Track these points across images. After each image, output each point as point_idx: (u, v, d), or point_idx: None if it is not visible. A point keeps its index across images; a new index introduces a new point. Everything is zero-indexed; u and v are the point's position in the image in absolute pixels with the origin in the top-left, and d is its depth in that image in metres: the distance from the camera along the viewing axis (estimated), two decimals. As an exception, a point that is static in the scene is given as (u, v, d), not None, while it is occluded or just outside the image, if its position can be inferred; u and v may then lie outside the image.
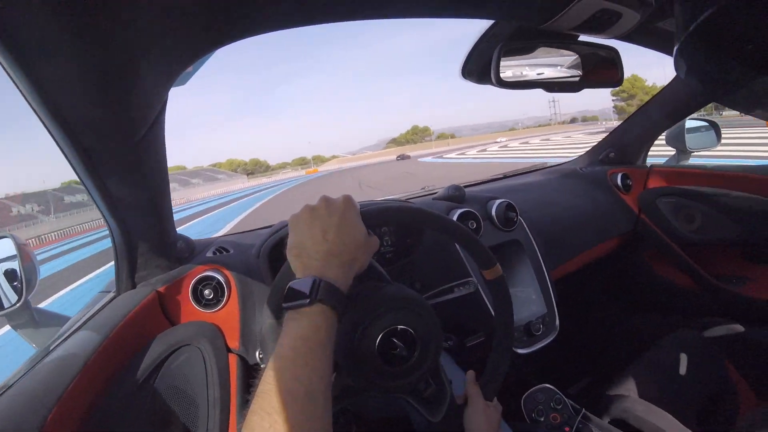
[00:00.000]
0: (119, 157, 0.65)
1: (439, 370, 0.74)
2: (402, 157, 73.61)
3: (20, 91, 0.51)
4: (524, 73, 0.81)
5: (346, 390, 0.69)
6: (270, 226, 1.16)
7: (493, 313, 0.77)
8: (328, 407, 0.44)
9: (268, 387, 0.41)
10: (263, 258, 0.95)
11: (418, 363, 0.69)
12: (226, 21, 0.56)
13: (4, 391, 0.61)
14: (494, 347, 0.74)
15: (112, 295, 0.89)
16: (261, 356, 0.72)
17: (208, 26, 0.56)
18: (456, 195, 1.22)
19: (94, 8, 0.42)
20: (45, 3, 0.40)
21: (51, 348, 0.73)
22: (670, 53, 1.09)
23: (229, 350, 0.90)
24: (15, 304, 0.89)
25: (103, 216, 0.77)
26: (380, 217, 0.65)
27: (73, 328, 0.78)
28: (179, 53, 0.58)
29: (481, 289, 0.99)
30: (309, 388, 0.42)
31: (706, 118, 1.67)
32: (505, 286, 0.72)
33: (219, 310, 0.93)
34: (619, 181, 1.60)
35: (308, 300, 0.47)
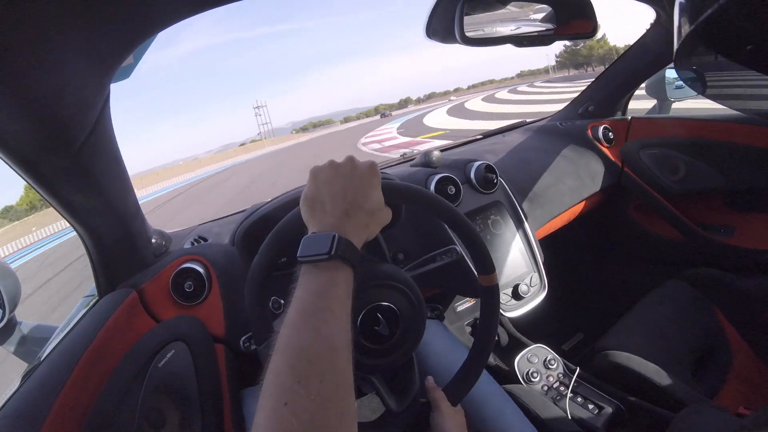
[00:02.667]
0: (64, 166, 0.62)
1: (413, 363, 0.74)
2: (384, 115, 78.42)
3: None
4: (491, 28, 0.77)
5: None
6: (243, 211, 1.13)
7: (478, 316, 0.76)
8: (350, 361, 0.43)
9: (287, 343, 0.40)
10: (238, 244, 0.93)
11: (399, 343, 0.69)
12: (152, 6, 0.53)
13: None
14: (470, 356, 0.74)
15: (96, 298, 0.87)
16: (246, 344, 0.71)
17: (134, 13, 0.52)
18: (430, 162, 1.20)
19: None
20: None
21: (42, 360, 0.72)
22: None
23: (215, 340, 0.89)
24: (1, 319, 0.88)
25: (69, 222, 0.75)
26: (400, 194, 0.65)
27: (60, 337, 0.78)
28: (109, 45, 0.54)
29: (465, 256, 0.97)
30: (332, 343, 0.41)
31: (689, 65, 1.64)
32: (498, 296, 0.72)
33: (202, 301, 0.91)
34: (600, 134, 1.58)
35: (327, 255, 0.46)
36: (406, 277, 0.71)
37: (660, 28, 1.29)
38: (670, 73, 1.58)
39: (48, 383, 0.64)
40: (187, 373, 0.81)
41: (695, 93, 1.56)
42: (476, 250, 0.70)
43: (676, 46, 0.44)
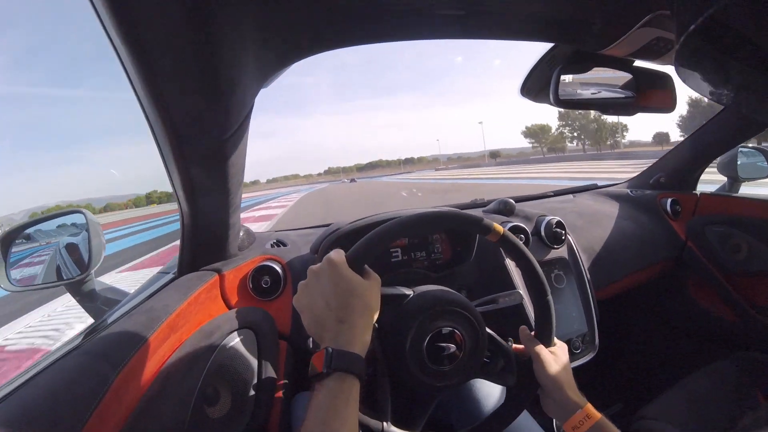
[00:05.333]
0: (209, 149, 0.68)
1: (496, 341, 0.77)
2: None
3: (130, 82, 0.54)
4: (580, 92, 0.86)
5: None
6: (318, 226, 1.23)
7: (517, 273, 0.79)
8: None
9: None
10: (321, 253, 1.00)
11: (465, 364, 0.72)
12: (316, 35, 0.63)
13: (66, 354, 0.65)
14: (531, 299, 0.77)
15: (172, 276, 0.93)
16: (313, 344, 0.78)
17: (299, 38, 0.62)
18: (505, 209, 1.26)
19: (208, 10, 0.46)
20: (170, 3, 0.44)
21: (109, 322, 0.76)
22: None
23: (280, 337, 0.94)
24: (80, 275, 0.94)
25: (178, 200, 0.80)
26: (366, 254, 0.65)
27: (134, 303, 0.82)
28: (272, 58, 0.64)
29: (525, 303, 1.01)
30: None
31: (760, 147, 1.64)
32: (513, 239, 0.73)
33: (274, 299, 0.98)
34: (668, 207, 1.59)
35: (324, 372, 0.51)
36: (472, 306, 0.75)
37: (732, 108, 1.30)
38: (743, 152, 1.59)
39: (132, 336, 0.69)
40: (250, 360, 0.86)
41: (766, 173, 1.56)
42: (465, 221, 0.72)
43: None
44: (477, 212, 1.31)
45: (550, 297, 0.75)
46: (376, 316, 0.60)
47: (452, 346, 0.70)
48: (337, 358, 0.51)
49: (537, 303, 0.76)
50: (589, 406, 0.67)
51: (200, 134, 0.64)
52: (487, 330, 0.76)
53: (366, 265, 0.65)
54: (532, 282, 0.75)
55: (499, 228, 0.71)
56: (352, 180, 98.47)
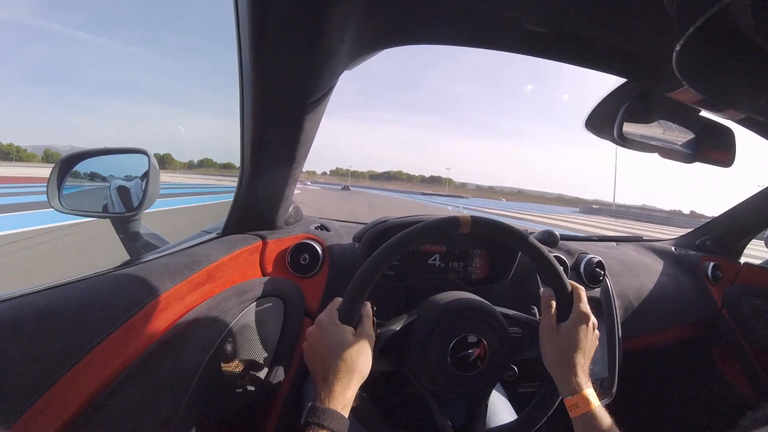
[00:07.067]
0: (290, 110, 0.70)
1: (521, 318, 0.81)
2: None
3: (237, 29, 0.57)
4: (644, 133, 0.87)
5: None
6: (362, 223, 1.26)
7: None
8: None
9: None
10: (365, 242, 1.01)
11: (488, 370, 0.74)
12: (411, 26, 0.67)
13: (101, 274, 0.67)
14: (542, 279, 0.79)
15: (215, 235, 0.95)
16: None
17: (396, 25, 0.66)
18: (549, 240, 1.25)
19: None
20: None
21: (146, 260, 0.78)
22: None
23: (307, 314, 0.96)
24: (127, 213, 0.98)
25: (242, 160, 0.82)
26: (354, 306, 0.67)
27: (174, 249, 0.84)
28: (367, 39, 0.67)
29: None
30: None
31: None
32: (485, 220, 0.74)
33: (309, 277, 1.00)
34: (709, 271, 1.57)
35: (302, 424, 0.56)
36: (500, 316, 0.77)
37: None
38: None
39: (171, 271, 0.71)
40: (273, 329, 0.88)
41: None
42: (430, 232, 0.72)
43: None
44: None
45: (550, 257, 0.75)
46: (362, 375, 0.63)
47: (475, 352, 0.72)
48: (312, 413, 0.56)
49: (540, 266, 0.76)
50: (586, 393, 0.66)
51: (287, 92, 0.66)
52: (511, 312, 0.81)
53: (366, 314, 0.69)
54: (529, 252, 0.75)
55: (466, 216, 0.72)
56: (345, 187, 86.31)
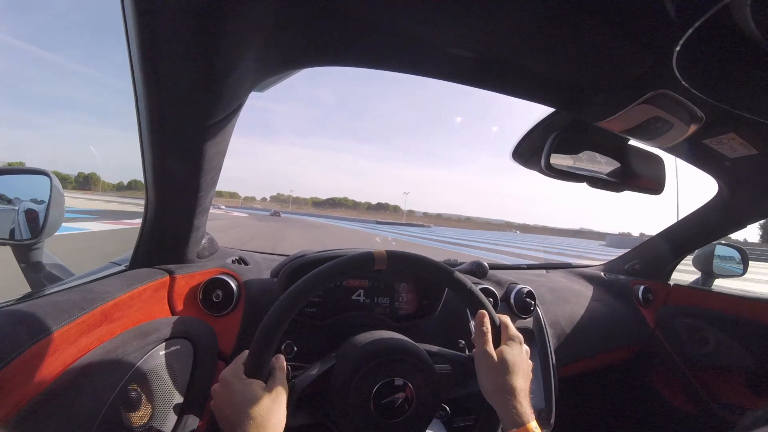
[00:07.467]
0: (190, 133, 0.66)
1: (449, 354, 0.80)
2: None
3: (128, 43, 0.53)
4: (571, 163, 0.84)
5: None
6: (283, 255, 1.20)
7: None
8: None
9: None
10: (282, 277, 0.95)
11: (417, 415, 0.71)
12: (316, 48, 0.62)
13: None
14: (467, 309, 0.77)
15: (123, 268, 0.88)
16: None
17: (305, 46, 0.62)
18: (478, 271, 1.23)
19: (218, 12, 0.47)
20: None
21: (46, 293, 0.71)
22: (709, 171, 1.12)
23: (219, 356, 0.89)
24: (30, 240, 0.90)
25: (146, 188, 0.77)
26: (261, 358, 0.64)
27: (77, 282, 0.77)
28: (274, 59, 0.63)
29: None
30: None
31: (736, 245, 1.67)
32: (401, 253, 0.71)
33: (222, 316, 0.92)
34: (640, 294, 1.60)
35: None
36: (425, 355, 0.73)
37: (720, 203, 1.34)
38: (720, 249, 1.61)
39: (60, 311, 0.63)
40: (182, 373, 0.81)
41: (740, 272, 1.59)
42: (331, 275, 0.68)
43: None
44: None
45: (474, 289, 0.74)
46: (276, 429, 0.60)
47: (401, 396, 0.69)
48: None
49: (466, 300, 0.74)
50: (531, 427, 0.63)
51: (185, 113, 0.61)
52: (436, 348, 0.80)
53: (277, 367, 0.65)
54: (452, 286, 0.74)
55: (380, 252, 0.69)
56: (275, 213, 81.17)
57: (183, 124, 0.63)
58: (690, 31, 0.39)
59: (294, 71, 0.68)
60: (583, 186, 0.89)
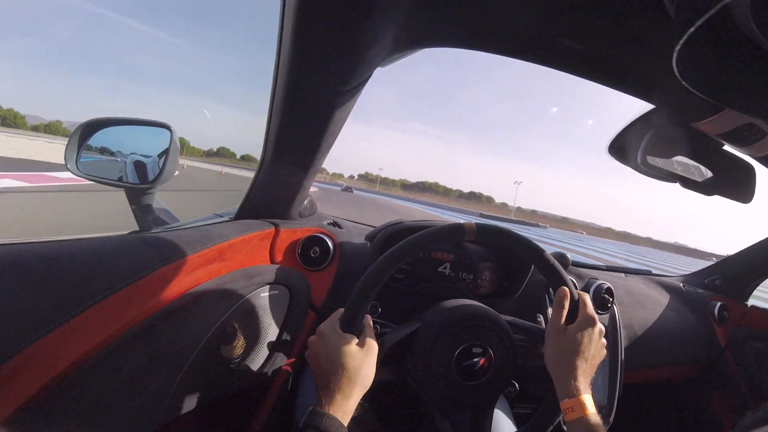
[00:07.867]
0: (322, 99, 0.70)
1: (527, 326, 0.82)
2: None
3: (282, 16, 0.57)
4: (667, 162, 0.87)
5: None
6: (369, 225, 1.27)
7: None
8: None
9: None
10: (378, 242, 1.02)
11: (493, 380, 0.74)
12: (445, 29, 0.68)
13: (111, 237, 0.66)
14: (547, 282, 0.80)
15: (227, 219, 0.95)
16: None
17: (430, 28, 0.67)
18: (561, 261, 1.24)
19: None
20: None
21: (155, 232, 0.76)
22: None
23: (311, 307, 0.96)
24: (143, 185, 0.97)
25: (266, 145, 0.81)
26: (356, 316, 0.67)
27: (186, 227, 0.83)
28: (402, 39, 0.67)
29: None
30: None
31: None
32: (491, 227, 0.73)
33: (317, 271, 0.99)
34: (716, 310, 1.55)
35: (300, 427, 0.57)
36: (505, 324, 0.77)
37: None
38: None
39: (185, 243, 0.70)
40: (277, 316, 0.88)
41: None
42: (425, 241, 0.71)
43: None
44: None
45: (557, 264, 0.75)
46: (364, 386, 0.64)
47: (480, 361, 0.72)
48: (312, 417, 0.57)
49: (552, 278, 0.75)
50: (583, 398, 0.65)
51: (324, 76, 0.66)
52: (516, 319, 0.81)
53: (367, 325, 0.68)
54: (536, 260, 0.75)
55: (471, 224, 0.71)
56: (347, 188, 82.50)
57: (319, 88, 0.68)
58: (691, 29, 0.39)
59: (417, 49, 0.72)
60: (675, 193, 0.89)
